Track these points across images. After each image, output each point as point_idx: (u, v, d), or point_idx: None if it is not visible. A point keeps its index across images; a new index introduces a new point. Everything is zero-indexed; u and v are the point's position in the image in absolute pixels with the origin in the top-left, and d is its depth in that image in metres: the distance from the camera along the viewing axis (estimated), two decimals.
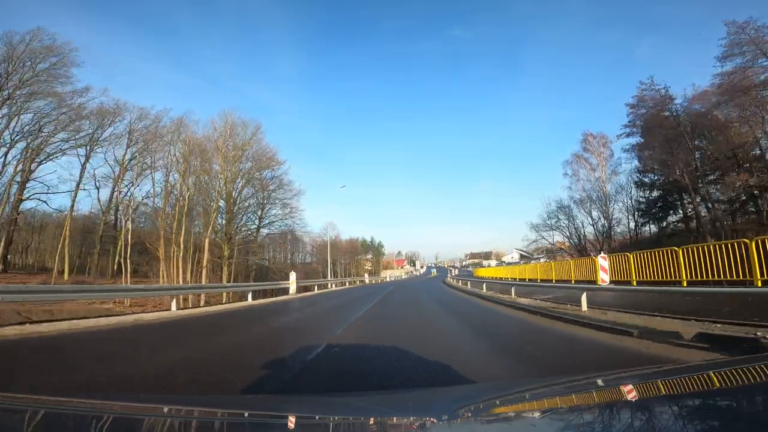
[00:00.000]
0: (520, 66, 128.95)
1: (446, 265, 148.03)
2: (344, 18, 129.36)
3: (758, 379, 1.14)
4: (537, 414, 1.14)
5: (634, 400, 1.16)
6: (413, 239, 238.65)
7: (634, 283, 10.66)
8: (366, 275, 44.34)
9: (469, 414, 1.16)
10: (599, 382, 1.47)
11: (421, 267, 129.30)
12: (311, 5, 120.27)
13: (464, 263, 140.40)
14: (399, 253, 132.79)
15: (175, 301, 12.14)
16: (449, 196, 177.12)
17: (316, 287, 27.18)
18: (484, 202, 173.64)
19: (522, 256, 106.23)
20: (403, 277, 64.63)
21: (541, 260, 51.34)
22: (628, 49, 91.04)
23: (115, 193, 32.91)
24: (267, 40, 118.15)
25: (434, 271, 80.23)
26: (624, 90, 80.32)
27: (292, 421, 1.15)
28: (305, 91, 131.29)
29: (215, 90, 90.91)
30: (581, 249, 51.57)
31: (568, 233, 51.28)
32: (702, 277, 8.32)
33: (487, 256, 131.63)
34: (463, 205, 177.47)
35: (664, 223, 39.37)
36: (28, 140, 28.14)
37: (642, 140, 33.32)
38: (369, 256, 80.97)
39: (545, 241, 53.77)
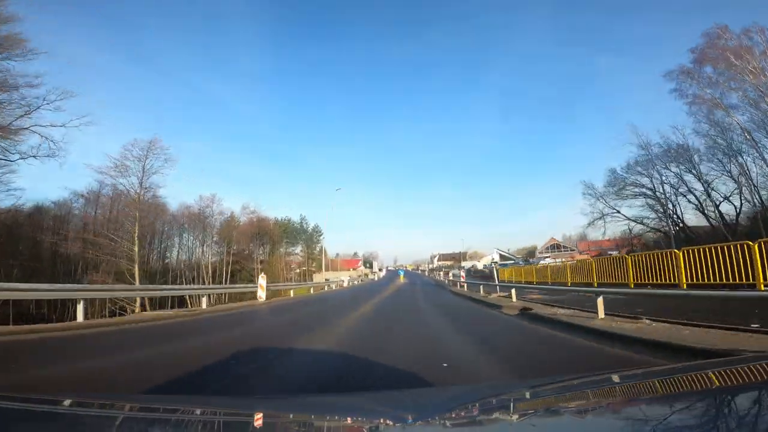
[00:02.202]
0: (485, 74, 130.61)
1: (409, 268, 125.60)
2: (309, 18, 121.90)
3: (751, 380, 1.13)
4: (514, 417, 1.09)
5: (620, 401, 1.14)
6: (370, 243, 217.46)
7: None
8: None
9: (441, 418, 1.10)
10: (582, 383, 1.47)
11: (380, 269, 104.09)
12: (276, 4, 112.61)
13: (432, 266, 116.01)
14: (355, 254, 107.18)
15: None
16: (409, 200, 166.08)
17: None
18: (445, 207, 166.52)
19: (502, 257, 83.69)
20: (345, 284, 34.86)
21: (546, 261, 38.75)
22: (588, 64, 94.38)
23: None
24: (228, 33, 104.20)
25: (402, 274, 51.77)
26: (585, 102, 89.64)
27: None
28: (265, 90, 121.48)
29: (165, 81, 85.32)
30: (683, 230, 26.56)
31: (661, 201, 25.99)
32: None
33: (461, 257, 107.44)
34: (423, 210, 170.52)
35: None
36: None
37: None
38: (298, 250, 50.92)
39: (620, 216, 28.58)
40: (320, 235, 63.14)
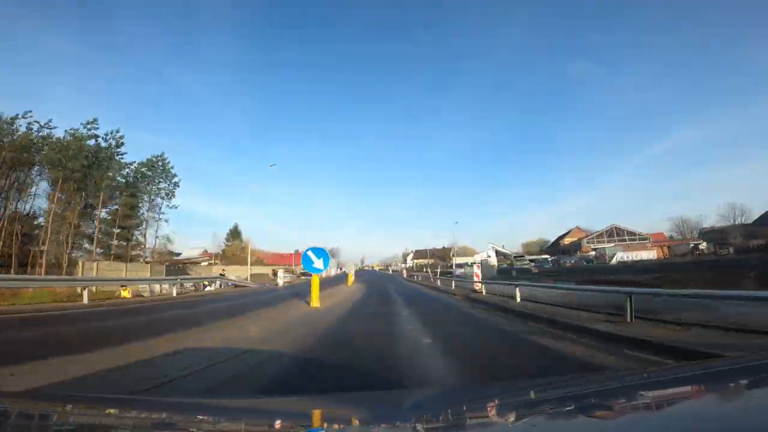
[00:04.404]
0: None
1: (376, 268, 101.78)
2: (285, 15, 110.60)
3: (753, 380, 1.13)
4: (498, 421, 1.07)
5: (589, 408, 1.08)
6: (338, 242, 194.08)
7: None
8: None
9: (415, 422, 1.06)
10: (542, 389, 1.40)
11: (340, 269, 78.31)
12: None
13: (405, 265, 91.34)
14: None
15: None
16: (376, 197, 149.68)
17: None
18: (416, 207, 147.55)
19: (498, 254, 66.08)
20: None
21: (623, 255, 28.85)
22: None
23: None
24: (202, 22, 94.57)
25: (350, 273, 24.26)
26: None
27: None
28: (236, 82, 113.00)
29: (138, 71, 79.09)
30: None
31: None
32: None
33: (444, 253, 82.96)
34: (392, 210, 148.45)
35: None
36: None
37: None
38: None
39: None
40: (172, 179, 36.32)
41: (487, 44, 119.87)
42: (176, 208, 40.68)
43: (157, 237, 39.76)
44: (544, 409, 1.11)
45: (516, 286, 13.07)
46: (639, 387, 1.22)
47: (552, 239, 68.61)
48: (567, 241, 55.89)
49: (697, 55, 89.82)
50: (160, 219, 39.60)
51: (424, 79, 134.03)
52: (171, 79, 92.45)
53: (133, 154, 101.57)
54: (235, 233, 61.18)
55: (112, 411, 1.18)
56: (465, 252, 79.56)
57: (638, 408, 1.01)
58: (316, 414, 1.24)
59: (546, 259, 38.98)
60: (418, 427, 1.02)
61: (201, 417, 1.19)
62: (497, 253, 72.23)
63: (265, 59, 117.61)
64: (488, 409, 1.16)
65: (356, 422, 1.12)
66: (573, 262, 33.76)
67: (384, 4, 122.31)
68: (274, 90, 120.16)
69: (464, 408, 1.17)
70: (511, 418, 1.05)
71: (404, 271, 45.31)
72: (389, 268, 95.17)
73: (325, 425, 1.11)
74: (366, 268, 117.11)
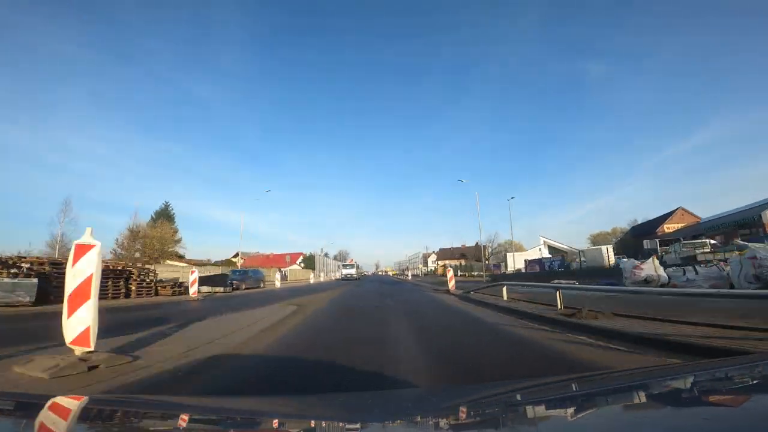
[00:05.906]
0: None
1: (390, 272, 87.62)
2: (298, 21, 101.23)
3: (753, 380, 1.13)
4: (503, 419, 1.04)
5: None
6: (352, 245, 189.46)
7: None
8: None
9: (423, 418, 1.07)
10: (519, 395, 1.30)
11: (341, 271, 62.52)
12: (266, 5, 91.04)
13: (431, 267, 76.57)
14: (325, 252, 65.53)
15: None
16: (391, 199, 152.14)
17: None
18: (421, 211, 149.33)
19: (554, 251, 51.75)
20: None
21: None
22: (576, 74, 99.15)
23: None
24: (215, 34, 74.15)
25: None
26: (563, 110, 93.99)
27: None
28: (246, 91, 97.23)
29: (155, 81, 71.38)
30: None
31: None
32: None
33: (477, 252, 68.21)
34: (406, 213, 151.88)
35: None
36: None
37: None
38: None
39: None
40: None
41: (493, 44, 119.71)
42: None
43: None
44: (544, 408, 1.09)
45: None
46: (641, 387, 1.20)
47: (625, 227, 54.20)
48: (670, 227, 41.53)
49: None
50: None
51: (437, 80, 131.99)
52: (184, 88, 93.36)
53: (144, 161, 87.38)
54: (164, 215, 43.86)
55: (106, 410, 1.17)
56: (508, 247, 65.10)
57: (640, 408, 1.00)
58: (313, 413, 1.21)
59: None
60: (417, 425, 1.01)
61: (194, 416, 1.15)
62: (550, 249, 58.06)
63: (277, 67, 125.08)
64: (488, 408, 1.14)
65: (354, 420, 1.08)
66: None
67: (394, 11, 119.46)
68: (286, 96, 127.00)
69: (464, 407, 1.14)
70: (511, 417, 1.03)
71: (450, 279, 18.38)
72: (406, 272, 75.23)
73: (324, 424, 1.09)
74: (380, 272, 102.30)
